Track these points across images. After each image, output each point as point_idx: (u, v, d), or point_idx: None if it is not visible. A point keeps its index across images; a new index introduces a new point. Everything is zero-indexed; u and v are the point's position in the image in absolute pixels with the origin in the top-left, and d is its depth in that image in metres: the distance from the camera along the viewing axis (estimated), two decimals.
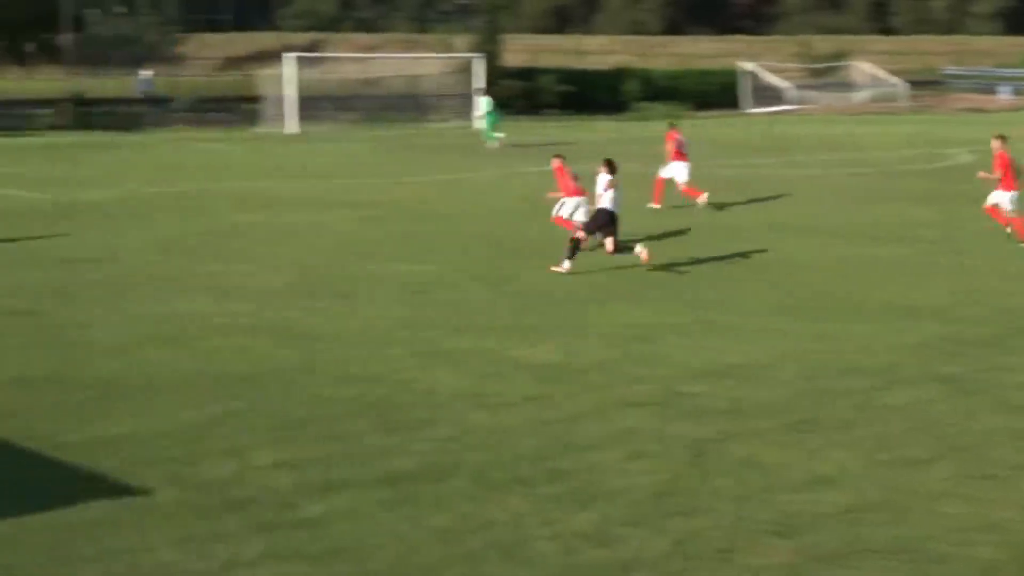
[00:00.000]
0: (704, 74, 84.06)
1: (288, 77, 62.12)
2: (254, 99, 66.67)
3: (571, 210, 26.91)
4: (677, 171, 34.46)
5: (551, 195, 27.68)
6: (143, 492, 12.43)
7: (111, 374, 16.80)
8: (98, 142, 55.24)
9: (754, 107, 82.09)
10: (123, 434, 14.25)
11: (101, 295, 21.92)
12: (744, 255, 26.51)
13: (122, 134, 59.07)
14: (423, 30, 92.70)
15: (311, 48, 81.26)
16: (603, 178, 25.21)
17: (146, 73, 72.75)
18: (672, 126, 35.52)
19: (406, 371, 17.14)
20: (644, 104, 73.33)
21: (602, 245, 24.82)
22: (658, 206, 33.73)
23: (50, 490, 12.46)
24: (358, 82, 72.37)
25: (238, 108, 68.40)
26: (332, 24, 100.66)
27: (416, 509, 12.11)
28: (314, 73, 70.88)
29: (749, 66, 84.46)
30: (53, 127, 61.08)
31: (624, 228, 25.01)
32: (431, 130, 58.54)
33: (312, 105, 65.28)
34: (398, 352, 18.17)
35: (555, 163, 27.48)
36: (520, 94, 73.48)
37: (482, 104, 57.44)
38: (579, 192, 26.98)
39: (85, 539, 11.20)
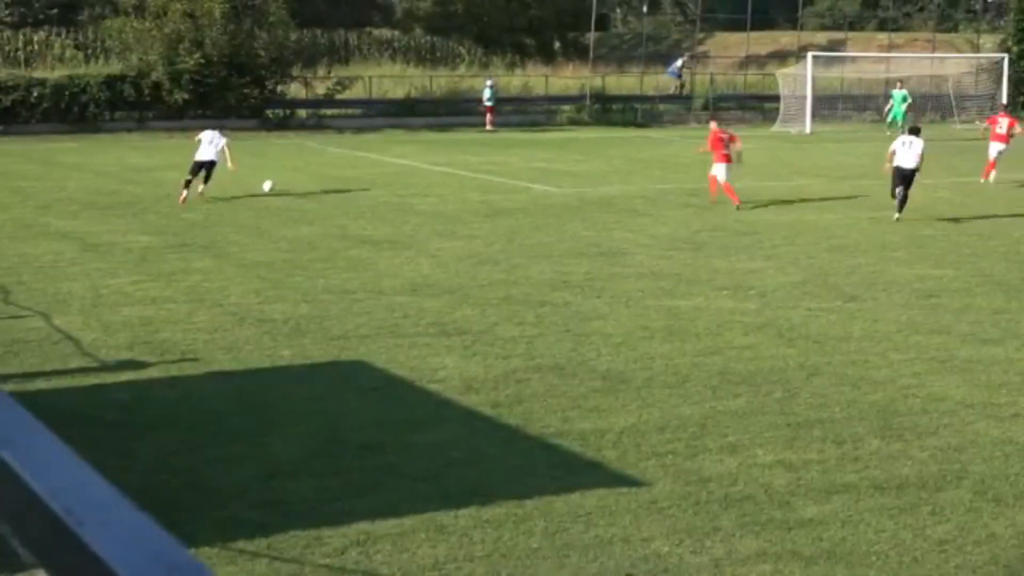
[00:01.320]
0: None
1: (807, 76, 61.70)
2: (771, 98, 66.57)
3: (725, 175, 33.10)
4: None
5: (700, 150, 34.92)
6: (640, 484, 12.62)
7: (616, 366, 17.14)
8: (615, 138, 56.40)
9: None
10: (624, 425, 14.51)
11: (613, 288, 22.37)
12: None
13: (639, 130, 60.11)
14: (949, 29, 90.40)
15: (830, 47, 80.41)
16: (900, 141, 31.47)
17: (677, 64, 73.63)
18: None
19: (911, 377, 16.77)
20: None
21: None
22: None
23: (550, 476, 12.81)
24: (877, 82, 71.23)
25: (756, 107, 68.49)
26: (854, 23, 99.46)
27: (915, 518, 11.84)
28: (832, 72, 70.14)
29: None
30: (573, 122, 62.77)
31: None
32: (954, 131, 57.04)
33: (829, 104, 64.67)
34: (903, 357, 17.79)
35: (712, 126, 34.14)
36: None
37: (894, 97, 59.06)
38: (726, 159, 33.12)
39: (582, 526, 11.46)
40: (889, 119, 58.50)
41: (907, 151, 30.78)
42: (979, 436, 14.35)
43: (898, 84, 59.92)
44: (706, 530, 11.48)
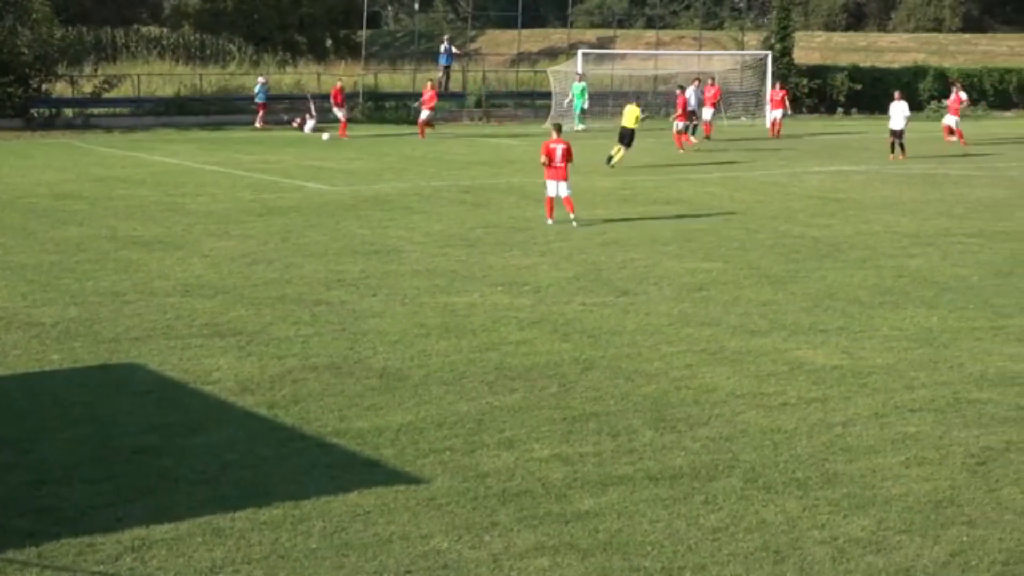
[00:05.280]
0: (1004, 72, 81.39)
1: (577, 73, 62.31)
2: (543, 95, 67.16)
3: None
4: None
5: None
6: (419, 481, 12.64)
7: (392, 363, 17.12)
8: (388, 136, 56.30)
9: None
10: (401, 423, 14.51)
11: (389, 286, 22.34)
12: None
13: (413, 128, 60.04)
14: (715, 27, 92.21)
15: (600, 44, 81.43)
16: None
17: (442, 49, 73.28)
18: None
19: (682, 368, 17.08)
20: (936, 104, 71.60)
21: None
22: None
23: (328, 476, 12.75)
24: (647, 79, 72.32)
25: (529, 104, 69.05)
26: (623, 21, 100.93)
27: (689, 507, 12.05)
28: (603, 69, 70.98)
29: None
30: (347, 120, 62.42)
31: None
32: (721, 127, 58.20)
33: (600, 101, 65.40)
34: (675, 350, 18.10)
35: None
36: (811, 92, 72.68)
37: (572, 90, 61.15)
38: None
39: (360, 526, 11.44)
40: (576, 115, 60.40)
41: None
42: (749, 425, 14.67)
43: (577, 77, 61.48)
44: (484, 525, 11.54)
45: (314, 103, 57.79)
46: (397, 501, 12.05)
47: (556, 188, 29.73)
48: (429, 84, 57.73)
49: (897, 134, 47.45)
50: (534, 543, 11.16)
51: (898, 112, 47.72)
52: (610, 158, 42.87)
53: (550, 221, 29.60)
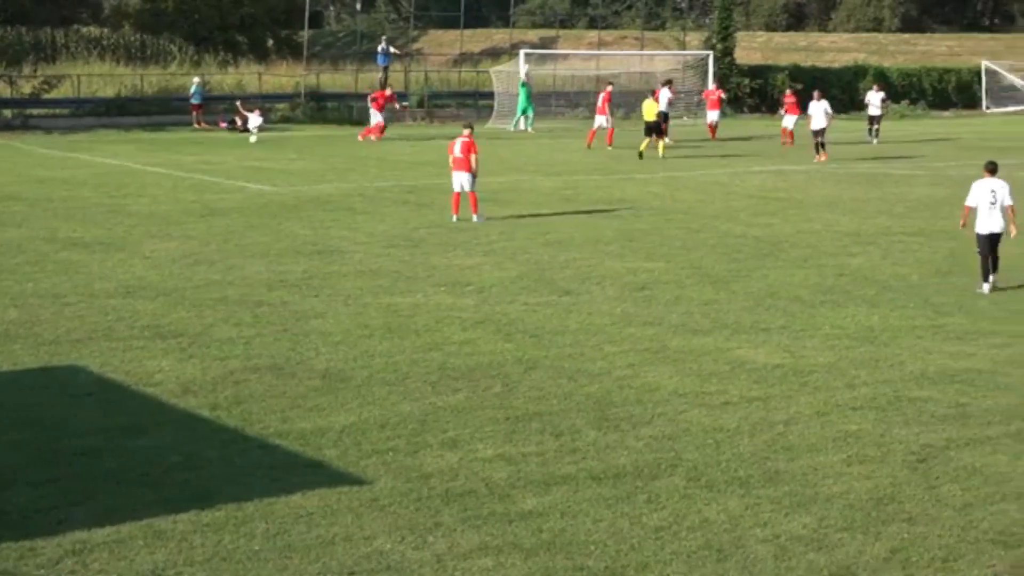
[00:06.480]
0: (943, 72, 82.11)
1: (520, 73, 62.36)
2: (486, 95, 67.19)
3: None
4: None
5: None
6: (362, 482, 12.63)
7: (335, 364, 17.10)
8: (330, 136, 56.18)
9: (993, 107, 79.98)
10: (344, 424, 14.49)
11: (331, 286, 22.30)
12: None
13: (354, 128, 59.88)
14: (657, 27, 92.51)
15: (542, 45, 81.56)
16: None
17: (380, 50, 73.05)
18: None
19: (625, 368, 17.13)
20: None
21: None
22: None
23: (270, 478, 12.72)
24: (589, 79, 72.43)
25: (471, 104, 69.01)
26: (565, 21, 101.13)
27: (632, 506, 12.09)
28: (545, 69, 71.07)
29: (991, 65, 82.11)
30: (288, 120, 62.29)
31: None
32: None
33: (543, 101, 65.43)
34: (618, 349, 18.15)
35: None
36: (752, 92, 73.00)
37: (521, 92, 60.91)
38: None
39: (303, 527, 11.42)
40: (519, 113, 60.49)
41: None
42: (691, 424, 14.73)
43: (525, 77, 61.42)
44: (428, 526, 11.54)
45: (243, 107, 57.32)
46: (340, 502, 12.04)
47: (459, 181, 30.25)
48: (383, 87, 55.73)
49: (818, 133, 47.46)
50: (478, 543, 11.17)
51: (819, 112, 47.88)
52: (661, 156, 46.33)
53: (455, 218, 30.06)
